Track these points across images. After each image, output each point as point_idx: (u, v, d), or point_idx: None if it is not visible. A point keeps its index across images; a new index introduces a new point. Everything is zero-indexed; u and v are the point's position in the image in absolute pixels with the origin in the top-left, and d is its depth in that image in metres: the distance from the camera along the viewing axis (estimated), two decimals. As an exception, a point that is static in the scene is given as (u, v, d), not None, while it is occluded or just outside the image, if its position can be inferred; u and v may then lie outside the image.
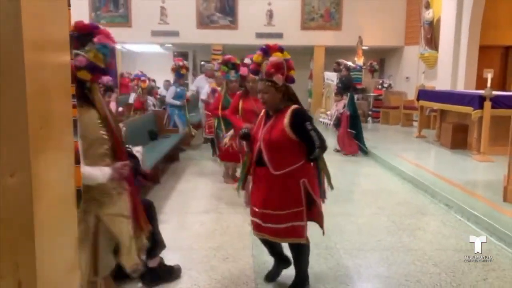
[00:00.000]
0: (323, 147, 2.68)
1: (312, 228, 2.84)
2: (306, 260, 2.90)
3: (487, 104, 6.62)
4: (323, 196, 2.88)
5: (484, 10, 9.49)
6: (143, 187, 4.50)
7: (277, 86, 2.66)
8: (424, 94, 8.98)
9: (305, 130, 2.62)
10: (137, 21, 13.18)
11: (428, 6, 11.21)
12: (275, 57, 2.72)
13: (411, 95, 11.53)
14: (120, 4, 13.22)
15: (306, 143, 2.65)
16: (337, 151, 7.85)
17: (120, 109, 7.19)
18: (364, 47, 12.84)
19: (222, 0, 13.29)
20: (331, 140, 8.09)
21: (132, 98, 8.10)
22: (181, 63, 7.81)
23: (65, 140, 1.27)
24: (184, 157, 7.43)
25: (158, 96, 9.30)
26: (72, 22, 1.81)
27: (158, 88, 10.15)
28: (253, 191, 2.83)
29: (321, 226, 2.83)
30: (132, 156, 2.81)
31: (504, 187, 4.48)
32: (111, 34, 2.14)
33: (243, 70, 5.15)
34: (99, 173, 1.99)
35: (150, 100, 8.38)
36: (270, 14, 13.28)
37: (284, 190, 2.66)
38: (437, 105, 8.40)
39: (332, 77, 11.28)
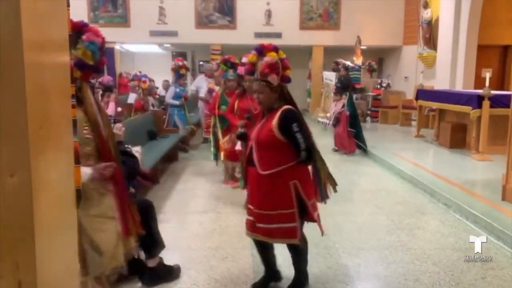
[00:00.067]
0: (309, 150, 2.60)
1: (311, 228, 2.84)
2: (304, 259, 2.89)
3: (486, 103, 6.64)
4: (324, 197, 2.84)
5: (482, 9, 9.51)
6: (142, 187, 4.50)
7: (272, 86, 2.64)
8: (423, 93, 9.00)
9: (291, 132, 2.57)
10: (136, 21, 13.17)
11: (426, 6, 11.22)
12: (270, 57, 2.71)
13: (410, 95, 11.55)
14: (118, 4, 13.20)
15: (294, 145, 2.60)
16: (335, 150, 7.86)
17: (119, 109, 7.18)
18: (362, 47, 12.85)
19: (221, 0, 13.29)
20: (330, 140, 8.11)
21: (132, 98, 8.09)
22: (180, 63, 7.81)
23: (65, 140, 1.27)
24: (183, 157, 7.43)
25: (157, 96, 9.30)
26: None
27: (157, 88, 10.15)
28: (249, 190, 2.84)
29: (319, 227, 2.80)
30: (131, 156, 2.80)
31: (503, 186, 4.49)
32: (100, 31, 2.14)
33: (241, 70, 5.16)
34: None
35: (150, 100, 8.37)
36: (268, 14, 13.28)
37: (273, 191, 2.63)
38: (435, 105, 8.41)
39: (330, 77, 11.30)
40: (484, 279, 3.11)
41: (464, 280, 3.09)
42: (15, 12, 0.96)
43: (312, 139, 2.71)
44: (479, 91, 6.96)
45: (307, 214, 2.71)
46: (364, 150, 7.64)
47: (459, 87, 9.63)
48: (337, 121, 7.83)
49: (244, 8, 13.23)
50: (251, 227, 2.75)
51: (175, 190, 5.41)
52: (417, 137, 9.01)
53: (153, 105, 8.20)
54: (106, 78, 7.36)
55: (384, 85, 12.23)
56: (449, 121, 8.08)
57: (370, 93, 12.27)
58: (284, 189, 2.61)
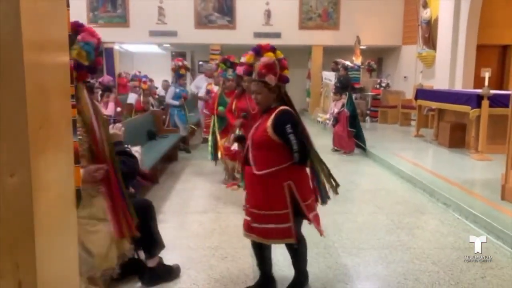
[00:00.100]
0: (302, 152, 2.57)
1: (311, 228, 2.84)
2: (303, 259, 2.88)
3: (485, 103, 6.65)
4: (325, 198, 2.81)
5: (481, 9, 9.52)
6: (142, 187, 4.50)
7: (270, 87, 2.63)
8: (422, 93, 9.00)
9: (285, 133, 2.56)
10: (135, 21, 13.17)
11: (425, 6, 11.23)
12: (267, 57, 2.70)
13: (409, 95, 11.56)
14: (118, 4, 13.20)
15: (288, 146, 2.58)
16: (335, 150, 7.87)
17: (118, 109, 7.18)
18: (362, 47, 12.85)
19: (220, 0, 13.29)
20: (330, 140, 8.11)
21: (131, 98, 8.08)
22: (180, 63, 7.81)
23: (65, 140, 1.27)
24: (183, 157, 7.43)
25: (156, 96, 9.30)
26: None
27: (156, 88, 10.15)
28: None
29: (317, 228, 2.76)
30: (131, 156, 2.80)
31: (502, 185, 4.49)
32: (96, 32, 2.12)
33: (240, 70, 5.16)
34: None
35: (150, 100, 8.37)
36: (268, 14, 13.28)
37: (266, 191, 2.62)
38: (435, 104, 8.42)
39: (330, 77, 11.31)
40: (483, 278, 3.11)
41: (463, 279, 3.09)
42: (15, 12, 0.96)
43: (310, 140, 2.69)
44: (478, 90, 6.97)
45: (303, 215, 2.68)
46: (363, 149, 7.65)
47: (458, 87, 9.64)
48: (336, 120, 7.84)
49: (243, 8, 13.22)
50: (247, 227, 2.75)
51: (175, 190, 5.41)
52: (417, 137, 9.02)
53: (152, 105, 8.20)
54: (106, 78, 7.35)
55: (383, 85, 12.24)
56: (449, 120, 8.09)
57: (370, 93, 12.28)
58: (278, 190, 2.60)
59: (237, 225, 4.09)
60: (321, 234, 2.79)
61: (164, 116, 7.78)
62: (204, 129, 7.47)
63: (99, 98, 6.08)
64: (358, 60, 12.47)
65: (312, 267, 3.12)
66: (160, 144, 6.44)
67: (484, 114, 6.64)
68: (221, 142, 5.34)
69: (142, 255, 3.02)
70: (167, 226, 3.99)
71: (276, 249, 2.98)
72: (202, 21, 13.36)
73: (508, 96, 7.01)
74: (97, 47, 2.08)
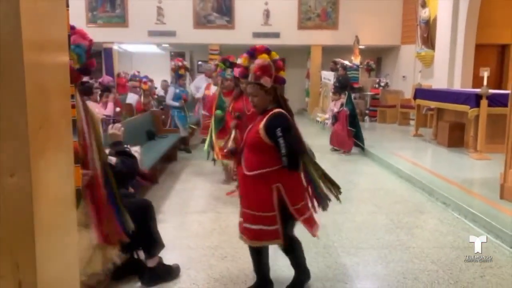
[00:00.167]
0: (290, 157, 2.53)
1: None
2: (301, 256, 2.87)
3: (484, 102, 6.66)
4: (324, 203, 2.79)
5: (480, 8, 9.53)
6: (141, 187, 4.50)
7: (266, 89, 2.62)
8: (421, 93, 9.02)
9: (275, 136, 2.54)
10: (134, 21, 13.17)
11: (424, 5, 11.24)
12: (261, 60, 2.69)
13: (408, 94, 11.58)
14: (116, 5, 13.20)
15: (278, 149, 2.56)
16: (334, 150, 7.87)
17: (118, 109, 7.17)
18: (360, 46, 12.87)
19: (219, 0, 13.29)
20: (328, 140, 8.11)
21: (131, 98, 8.07)
22: (180, 63, 7.79)
23: (65, 140, 1.27)
24: (183, 157, 7.43)
25: (156, 96, 9.29)
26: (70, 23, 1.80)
27: (156, 88, 10.13)
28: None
29: (309, 231, 2.73)
30: (130, 156, 2.80)
31: (501, 184, 4.50)
32: (87, 34, 2.10)
33: (237, 71, 5.15)
34: None
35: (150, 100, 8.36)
36: (267, 14, 13.28)
37: (254, 192, 2.62)
38: (433, 104, 8.43)
39: (329, 76, 11.31)
40: (482, 277, 3.12)
41: (462, 278, 3.10)
42: (15, 12, 0.96)
43: (302, 145, 2.67)
44: (477, 90, 6.97)
45: (292, 217, 2.66)
46: (362, 148, 7.65)
47: (457, 86, 9.66)
48: (335, 119, 7.84)
49: (242, 8, 13.23)
50: (240, 228, 2.76)
51: (174, 190, 5.41)
52: (415, 136, 9.03)
53: (152, 105, 8.20)
54: (106, 79, 7.35)
55: (382, 84, 12.26)
56: (447, 120, 8.10)
57: (368, 93, 12.29)
58: (266, 192, 2.59)
59: (237, 225, 4.05)
60: (313, 236, 2.77)
61: (163, 116, 7.77)
62: (202, 130, 7.45)
63: (99, 98, 6.08)
64: (357, 60, 12.48)
65: (312, 266, 3.12)
66: (159, 144, 6.44)
67: (483, 114, 6.65)
68: (217, 143, 5.32)
69: (141, 255, 3.02)
70: (167, 226, 3.99)
71: (276, 250, 2.98)
72: (201, 21, 13.36)
73: (506, 95, 7.02)
74: (88, 49, 2.05)
